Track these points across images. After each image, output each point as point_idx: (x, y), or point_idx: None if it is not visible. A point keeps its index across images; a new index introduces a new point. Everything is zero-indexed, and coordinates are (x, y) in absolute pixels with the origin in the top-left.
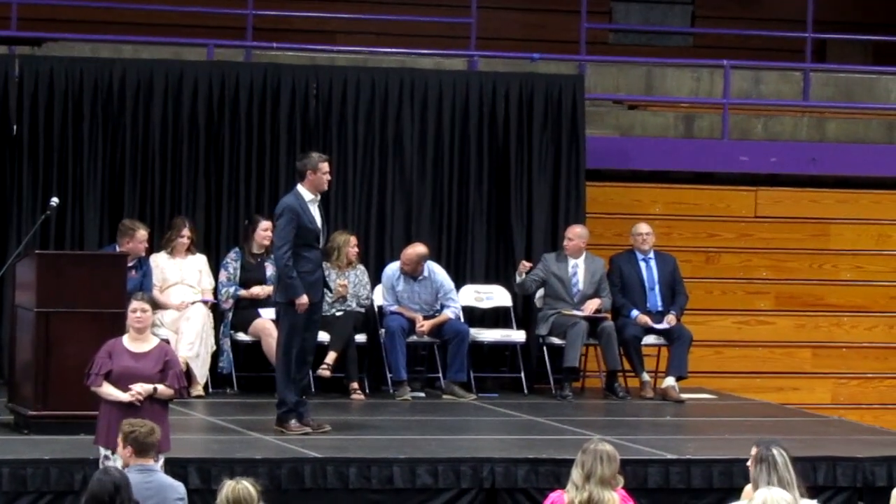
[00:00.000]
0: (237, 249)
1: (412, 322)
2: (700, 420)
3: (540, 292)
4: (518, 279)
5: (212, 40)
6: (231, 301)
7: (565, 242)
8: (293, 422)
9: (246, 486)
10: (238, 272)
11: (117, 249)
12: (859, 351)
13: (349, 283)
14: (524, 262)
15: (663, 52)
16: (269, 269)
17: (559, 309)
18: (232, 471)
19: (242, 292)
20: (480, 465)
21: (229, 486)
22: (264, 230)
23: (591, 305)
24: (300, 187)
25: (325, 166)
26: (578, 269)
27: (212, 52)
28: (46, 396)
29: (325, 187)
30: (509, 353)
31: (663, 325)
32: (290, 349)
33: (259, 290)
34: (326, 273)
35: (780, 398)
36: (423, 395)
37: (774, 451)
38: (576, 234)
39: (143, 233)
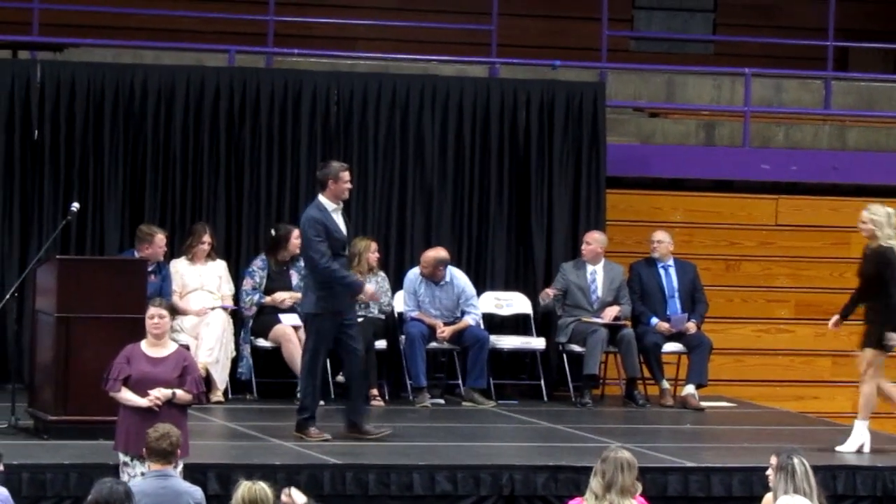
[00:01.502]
0: (263, 258)
1: (432, 329)
2: (719, 428)
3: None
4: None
5: (233, 46)
6: (254, 308)
7: (583, 247)
8: (313, 428)
9: (263, 486)
10: (264, 281)
11: (136, 255)
12: None
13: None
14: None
15: (684, 60)
16: (295, 278)
17: (578, 316)
18: (251, 476)
19: (266, 299)
20: (500, 472)
21: (245, 487)
22: (296, 238)
23: (611, 313)
24: (321, 197)
25: (345, 175)
26: (597, 276)
27: (233, 59)
28: (66, 401)
29: (347, 196)
30: (529, 360)
31: (678, 317)
32: (316, 357)
33: (285, 296)
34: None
35: (799, 407)
36: (442, 401)
37: (795, 460)
38: (594, 239)
39: (161, 237)
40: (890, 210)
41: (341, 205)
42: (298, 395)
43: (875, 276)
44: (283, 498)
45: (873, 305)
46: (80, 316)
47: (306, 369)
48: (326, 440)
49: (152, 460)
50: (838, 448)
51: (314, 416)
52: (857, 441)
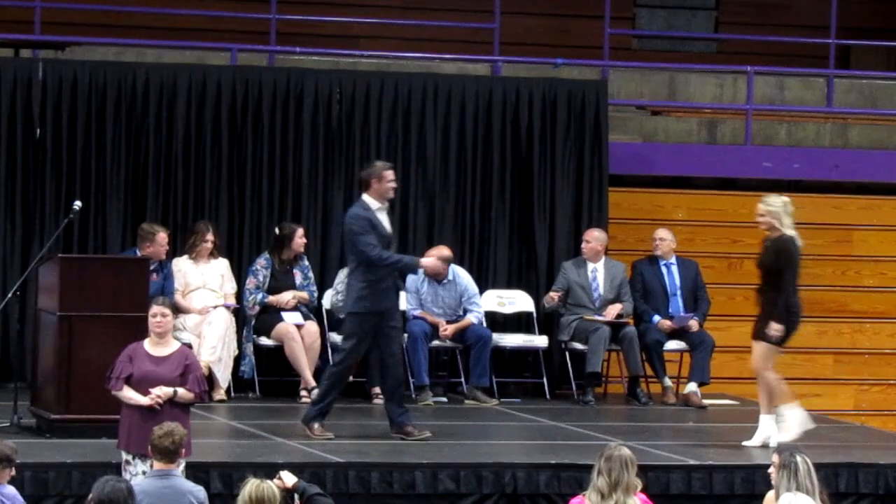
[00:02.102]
0: (267, 256)
1: (435, 327)
2: (722, 426)
3: None
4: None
5: (235, 45)
6: (258, 307)
7: (583, 245)
8: (317, 425)
9: (270, 485)
10: (268, 280)
11: (138, 254)
12: (882, 357)
13: None
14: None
15: (687, 58)
16: (298, 277)
17: (581, 314)
18: (254, 475)
19: (270, 299)
20: (502, 471)
21: (253, 485)
22: (300, 237)
23: (613, 310)
24: (366, 197)
25: (389, 174)
26: (598, 274)
27: (235, 57)
28: (69, 400)
29: (391, 195)
30: (531, 358)
31: (682, 316)
32: (350, 357)
33: (289, 296)
34: None
35: (802, 404)
36: (445, 400)
37: (798, 459)
38: (593, 236)
39: (163, 235)
40: (785, 199)
41: (386, 204)
42: (317, 389)
43: (775, 266)
44: (275, 481)
45: (771, 297)
46: (83, 314)
47: (337, 369)
48: (330, 439)
49: (156, 458)
50: (745, 443)
51: (324, 414)
52: (765, 433)
